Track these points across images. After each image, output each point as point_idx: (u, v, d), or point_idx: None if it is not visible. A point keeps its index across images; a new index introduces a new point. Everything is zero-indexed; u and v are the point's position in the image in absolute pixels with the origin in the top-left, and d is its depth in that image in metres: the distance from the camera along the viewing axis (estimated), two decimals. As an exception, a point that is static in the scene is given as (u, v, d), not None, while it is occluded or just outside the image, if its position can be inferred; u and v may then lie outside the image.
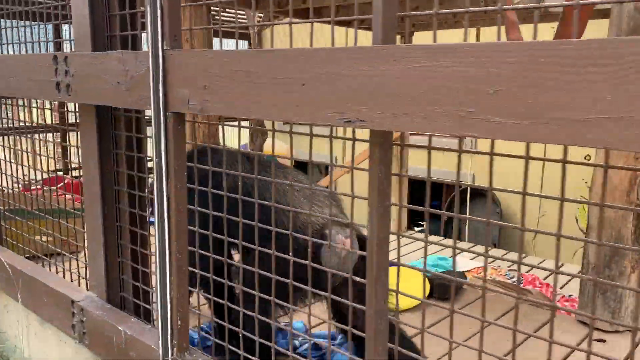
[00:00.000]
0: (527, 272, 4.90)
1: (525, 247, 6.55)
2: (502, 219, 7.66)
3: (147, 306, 1.99)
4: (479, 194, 7.83)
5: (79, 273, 2.31)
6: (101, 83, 1.74)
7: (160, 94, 1.53)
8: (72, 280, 2.34)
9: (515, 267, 4.90)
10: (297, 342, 2.20)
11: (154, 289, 1.67)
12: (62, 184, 4.03)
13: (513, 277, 4.54)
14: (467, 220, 7.31)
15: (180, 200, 1.59)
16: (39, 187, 3.86)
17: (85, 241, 2.09)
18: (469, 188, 7.55)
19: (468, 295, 3.11)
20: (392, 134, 1.23)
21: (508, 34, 2.01)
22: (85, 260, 2.20)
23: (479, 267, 4.74)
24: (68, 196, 3.27)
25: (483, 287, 1.20)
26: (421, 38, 4.98)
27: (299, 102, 1.23)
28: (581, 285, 2.53)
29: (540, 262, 5.25)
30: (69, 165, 5.42)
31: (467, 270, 4.69)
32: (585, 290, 2.49)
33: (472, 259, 5.21)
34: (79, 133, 2.01)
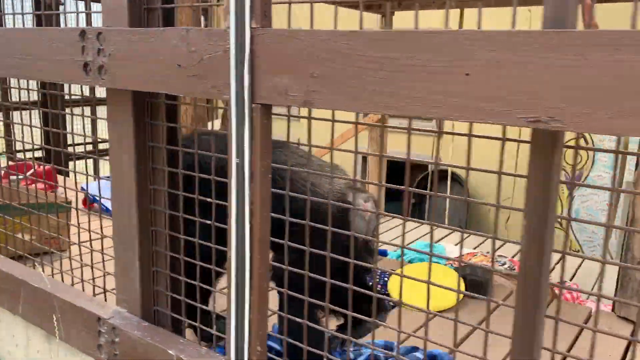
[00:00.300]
0: (512, 256, 4.87)
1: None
2: (468, 204, 7.68)
3: (195, 323, 1.73)
4: (445, 177, 7.80)
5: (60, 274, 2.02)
6: (153, 66, 1.46)
7: (246, 82, 1.28)
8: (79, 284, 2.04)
9: (504, 253, 4.86)
10: (352, 355, 2.00)
11: (228, 309, 1.42)
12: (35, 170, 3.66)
13: (504, 264, 4.48)
14: (446, 203, 7.26)
15: (265, 208, 1.35)
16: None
17: (114, 250, 1.80)
18: (452, 171, 7.49)
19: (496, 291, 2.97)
20: (563, 136, 1.04)
21: (585, 21, 1.85)
22: (109, 268, 1.91)
23: (468, 254, 4.66)
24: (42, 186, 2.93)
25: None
26: (401, 18, 4.78)
27: (461, 96, 1.01)
28: (623, 281, 2.45)
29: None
30: (14, 147, 4.98)
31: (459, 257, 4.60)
32: (629, 285, 2.41)
33: (456, 245, 5.14)
34: (107, 124, 1.71)
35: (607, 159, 6.84)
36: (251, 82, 1.28)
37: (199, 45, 1.35)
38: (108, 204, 1.84)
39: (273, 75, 1.24)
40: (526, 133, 1.02)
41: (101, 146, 5.14)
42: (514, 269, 4.38)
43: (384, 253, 4.47)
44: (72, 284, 2.14)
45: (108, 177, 3.91)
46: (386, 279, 2.71)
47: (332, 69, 1.16)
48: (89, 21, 2.24)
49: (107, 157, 1.78)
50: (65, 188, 2.19)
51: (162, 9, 1.59)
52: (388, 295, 2.61)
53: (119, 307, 1.82)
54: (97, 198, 2.04)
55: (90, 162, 5.77)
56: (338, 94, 1.16)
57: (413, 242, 5.08)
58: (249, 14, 1.25)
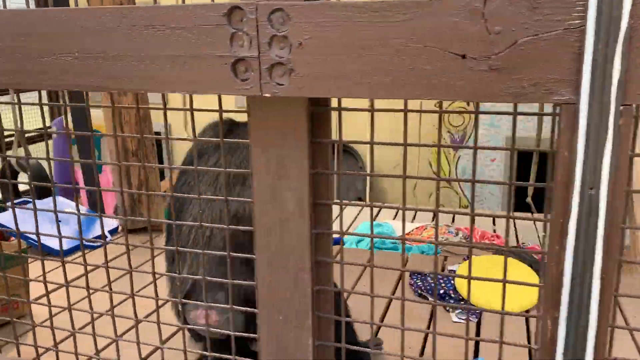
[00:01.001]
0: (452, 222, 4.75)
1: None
2: (367, 177, 7.58)
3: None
4: (342, 150, 7.58)
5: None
6: (395, 59, 0.94)
7: (615, 75, 0.85)
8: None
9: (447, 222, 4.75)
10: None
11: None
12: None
13: (459, 234, 4.34)
14: (335, 177, 7.06)
15: (612, 270, 0.94)
16: None
17: (261, 326, 1.24)
18: (344, 144, 7.25)
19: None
20: None
21: None
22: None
23: (417, 228, 4.46)
24: None
25: None
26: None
27: None
28: None
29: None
30: None
31: (409, 232, 4.40)
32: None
33: (394, 218, 4.93)
34: (252, 147, 1.13)
35: (488, 117, 7.12)
36: (624, 74, 0.85)
37: (510, 23, 0.88)
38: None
39: (670, 62, 0.83)
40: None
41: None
42: (468, 238, 4.29)
43: (337, 242, 4.13)
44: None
45: (24, 202, 3.04)
46: (452, 281, 2.39)
47: None
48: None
49: None
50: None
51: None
52: (463, 299, 2.29)
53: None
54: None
55: None
56: None
57: (352, 223, 4.79)
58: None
